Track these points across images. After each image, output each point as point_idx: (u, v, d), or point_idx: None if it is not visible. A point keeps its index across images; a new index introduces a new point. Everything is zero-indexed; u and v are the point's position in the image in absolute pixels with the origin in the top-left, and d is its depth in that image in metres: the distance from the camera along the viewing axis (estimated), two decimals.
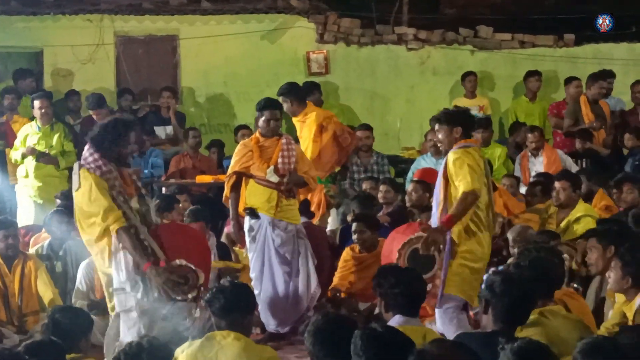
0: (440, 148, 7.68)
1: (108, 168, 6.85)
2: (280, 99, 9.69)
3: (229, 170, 8.84)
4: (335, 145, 10.46)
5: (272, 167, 8.55)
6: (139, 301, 6.84)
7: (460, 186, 7.11)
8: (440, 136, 7.46)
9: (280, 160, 8.59)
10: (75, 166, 6.97)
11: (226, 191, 8.87)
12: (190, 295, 6.89)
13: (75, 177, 6.92)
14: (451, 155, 7.26)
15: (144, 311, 6.86)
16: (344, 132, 10.66)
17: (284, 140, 8.70)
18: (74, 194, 6.95)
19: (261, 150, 8.67)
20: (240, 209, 8.81)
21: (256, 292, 8.59)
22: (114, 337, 6.97)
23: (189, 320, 7.67)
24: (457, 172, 7.16)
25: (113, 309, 6.98)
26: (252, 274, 8.71)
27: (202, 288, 6.90)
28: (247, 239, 8.70)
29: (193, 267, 6.89)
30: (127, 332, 6.86)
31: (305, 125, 10.20)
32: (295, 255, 8.65)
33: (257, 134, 8.80)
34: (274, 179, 8.55)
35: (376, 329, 4.56)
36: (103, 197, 6.75)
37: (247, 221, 8.69)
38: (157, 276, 6.74)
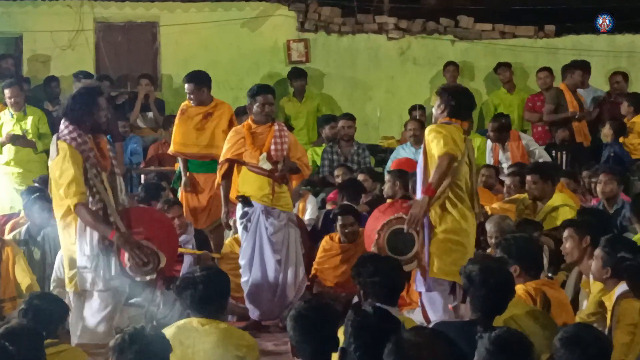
0: (433, 121, 7.68)
1: (83, 139, 6.84)
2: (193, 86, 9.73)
3: (221, 158, 8.72)
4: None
5: (264, 154, 8.47)
6: (100, 279, 6.86)
7: (435, 153, 7.18)
8: (433, 109, 7.59)
9: (272, 147, 8.50)
10: (53, 138, 6.97)
11: (218, 179, 8.79)
12: (148, 277, 6.92)
13: (52, 148, 6.91)
14: (427, 130, 7.39)
15: (105, 290, 6.88)
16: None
17: (276, 127, 8.61)
18: (49, 164, 6.96)
19: (253, 137, 8.57)
20: (232, 196, 8.73)
21: (244, 279, 8.58)
22: (77, 317, 6.94)
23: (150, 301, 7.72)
24: (432, 142, 7.24)
25: (74, 287, 6.95)
26: (241, 261, 8.64)
27: (162, 272, 6.95)
28: (239, 227, 8.62)
29: (155, 250, 6.90)
30: (90, 312, 6.90)
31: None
32: (285, 243, 8.56)
33: (250, 121, 8.69)
34: (267, 166, 8.45)
35: (368, 312, 4.60)
36: (72, 168, 6.73)
37: (240, 208, 8.58)
38: (125, 243, 6.76)
